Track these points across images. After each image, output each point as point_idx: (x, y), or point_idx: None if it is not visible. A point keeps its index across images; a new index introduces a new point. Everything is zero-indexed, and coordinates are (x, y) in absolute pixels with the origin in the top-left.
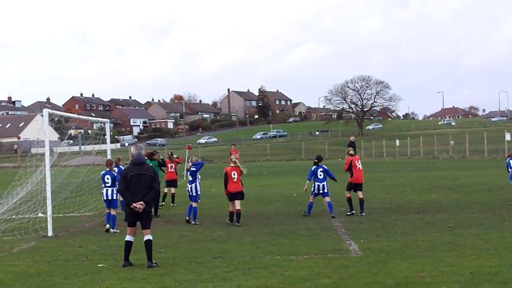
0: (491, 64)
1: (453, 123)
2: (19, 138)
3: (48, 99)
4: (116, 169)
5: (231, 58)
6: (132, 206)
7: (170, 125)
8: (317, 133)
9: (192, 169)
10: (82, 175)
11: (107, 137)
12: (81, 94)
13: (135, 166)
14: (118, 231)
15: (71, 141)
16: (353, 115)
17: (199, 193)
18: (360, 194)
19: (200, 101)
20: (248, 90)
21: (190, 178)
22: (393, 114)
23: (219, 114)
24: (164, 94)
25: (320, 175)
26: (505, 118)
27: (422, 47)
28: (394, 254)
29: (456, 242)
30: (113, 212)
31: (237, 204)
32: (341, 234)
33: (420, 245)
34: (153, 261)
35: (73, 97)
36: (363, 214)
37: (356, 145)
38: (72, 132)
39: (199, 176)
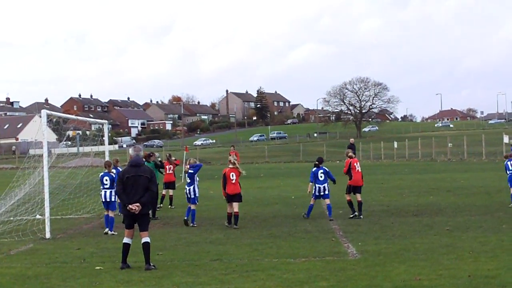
0: (490, 65)
1: (451, 125)
2: (17, 139)
3: (46, 100)
4: (114, 170)
5: (230, 59)
6: (128, 207)
7: (168, 127)
8: (315, 135)
9: (190, 171)
10: (80, 177)
11: (105, 138)
12: (80, 95)
13: (132, 168)
14: (116, 233)
15: (69, 142)
16: (351, 117)
17: (197, 195)
18: (358, 196)
19: (199, 102)
20: (247, 92)
21: (188, 180)
22: (391, 116)
23: (217, 115)
24: (162, 95)
25: (321, 176)
26: (504, 120)
27: (421, 48)
28: (392, 257)
29: (454, 245)
30: (111, 214)
31: (235, 206)
32: (339, 236)
33: (418, 248)
34: (151, 264)
35: (71, 98)
36: (361, 216)
37: (355, 147)
38: (70, 133)
39: (197, 178)
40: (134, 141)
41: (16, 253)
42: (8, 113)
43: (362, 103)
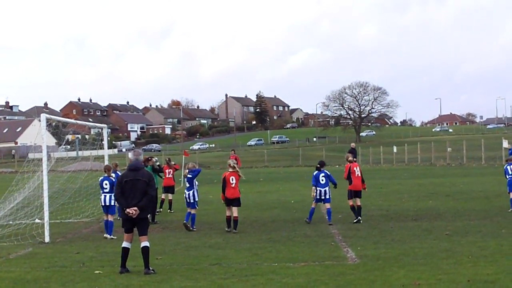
0: (489, 70)
1: (450, 130)
2: (16, 143)
3: (45, 104)
4: (113, 175)
5: (229, 63)
6: (125, 211)
7: (168, 131)
8: (314, 139)
9: (188, 176)
10: (80, 181)
11: (105, 142)
12: (79, 99)
13: (130, 172)
14: (115, 237)
15: (69, 146)
16: (351, 121)
17: (196, 199)
18: (358, 201)
19: (198, 106)
20: (246, 96)
21: (187, 185)
22: (390, 120)
23: (217, 119)
24: (161, 99)
25: (322, 180)
26: (503, 125)
27: (421, 53)
28: (391, 261)
29: (453, 250)
30: (110, 218)
31: (234, 211)
32: (338, 241)
33: (417, 252)
34: (150, 268)
35: (70, 102)
36: (361, 221)
37: (357, 151)
38: (70, 137)
39: (197, 183)
40: (133, 145)
41: (15, 257)
42: (7, 117)
43: (361, 107)
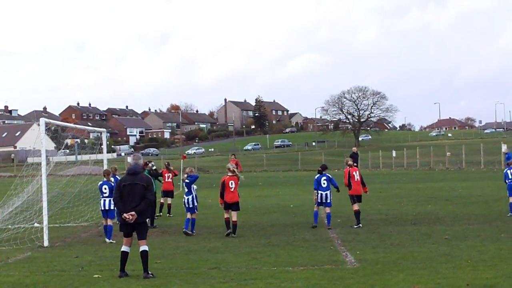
0: (489, 75)
1: (449, 134)
2: (15, 147)
3: (44, 108)
4: (113, 179)
5: (228, 67)
6: (122, 216)
7: (167, 135)
8: (313, 143)
9: (186, 181)
10: (79, 185)
11: (104, 146)
12: (78, 104)
13: (129, 176)
14: (114, 241)
15: (68, 151)
16: (350, 125)
17: (195, 204)
18: (356, 205)
19: (197, 111)
20: (245, 100)
21: (186, 190)
22: (389, 125)
23: (216, 124)
24: (161, 103)
25: (324, 183)
26: (502, 129)
27: (420, 57)
28: (390, 265)
29: (452, 254)
30: (110, 222)
31: (233, 215)
32: (337, 245)
33: (417, 256)
34: (149, 272)
35: (69, 106)
36: (360, 225)
37: (358, 156)
38: (69, 141)
39: (195, 187)
40: (132, 149)
41: (14, 261)
42: (6, 121)
43: (360, 112)
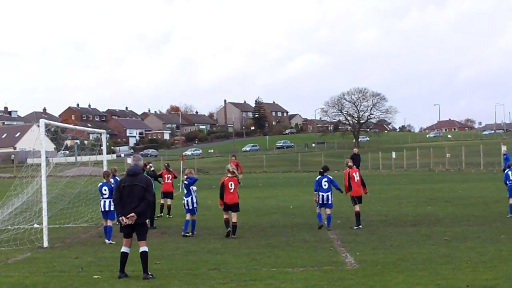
0: (489, 76)
1: (449, 136)
2: (15, 148)
3: (44, 109)
4: (112, 180)
5: (228, 68)
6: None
7: (167, 136)
8: (313, 145)
9: (185, 182)
10: (79, 186)
11: (103, 147)
12: (78, 105)
13: (128, 177)
14: (114, 242)
15: (67, 152)
16: (350, 127)
17: (195, 206)
18: (357, 207)
19: (197, 112)
20: (245, 102)
21: (185, 191)
22: (389, 126)
23: (216, 125)
24: (160, 105)
25: (325, 185)
26: (502, 131)
27: (420, 58)
28: (390, 266)
29: (452, 255)
30: (109, 223)
31: (233, 216)
32: (337, 246)
33: (416, 257)
34: (149, 273)
35: (69, 107)
36: (360, 226)
37: (360, 157)
38: (69, 142)
39: (195, 188)
40: (132, 150)
41: (13, 262)
42: (6, 122)
43: (360, 113)
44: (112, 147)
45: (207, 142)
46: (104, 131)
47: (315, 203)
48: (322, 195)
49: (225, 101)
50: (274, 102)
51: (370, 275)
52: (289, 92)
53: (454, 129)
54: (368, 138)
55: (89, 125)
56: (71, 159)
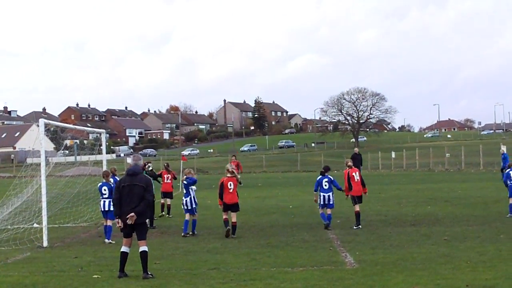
0: (488, 76)
1: (448, 136)
2: (14, 148)
3: (44, 109)
4: (112, 179)
5: (228, 68)
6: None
7: (166, 136)
8: (313, 144)
9: (184, 182)
10: (79, 186)
11: (103, 147)
12: (77, 104)
13: (128, 177)
14: (114, 242)
15: (67, 152)
16: (349, 127)
17: (194, 206)
18: (357, 207)
19: (196, 112)
20: (244, 101)
21: (184, 191)
22: (389, 126)
23: (215, 125)
24: (160, 104)
25: (325, 185)
26: (501, 130)
27: (419, 58)
28: (389, 266)
29: (451, 255)
30: (109, 223)
31: (233, 216)
32: (337, 246)
33: (416, 257)
34: (149, 272)
35: (69, 107)
36: (360, 226)
37: (361, 157)
38: (68, 142)
39: (194, 188)
40: (131, 150)
41: (13, 261)
42: (5, 122)
43: (359, 113)
44: (111, 147)
45: (207, 142)
46: (104, 130)
47: (315, 203)
48: (324, 196)
49: (224, 101)
50: (273, 102)
51: (370, 274)
52: (289, 92)
53: (454, 129)
54: (365, 138)
55: (89, 124)
56: (71, 158)
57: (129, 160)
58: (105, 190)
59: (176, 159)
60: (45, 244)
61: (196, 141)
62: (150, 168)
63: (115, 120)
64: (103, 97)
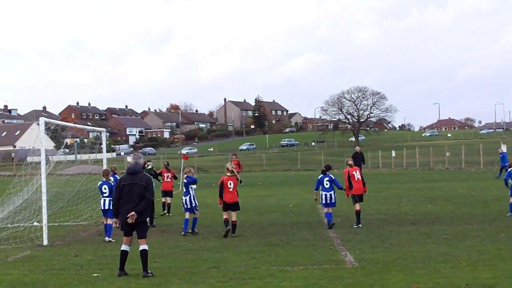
0: (489, 75)
1: (448, 135)
2: (14, 146)
3: (44, 107)
4: (112, 178)
5: (228, 67)
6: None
7: (166, 135)
8: (313, 143)
9: (184, 180)
10: (79, 184)
11: (103, 146)
12: (77, 103)
13: (128, 176)
14: (114, 240)
15: (67, 150)
16: (349, 125)
17: (193, 205)
18: (357, 205)
19: (197, 110)
20: (245, 100)
21: (184, 190)
22: (389, 125)
23: (215, 124)
24: (160, 103)
25: (326, 184)
26: (502, 130)
27: (420, 57)
28: (389, 265)
29: (451, 254)
30: (109, 221)
31: (233, 215)
32: (337, 245)
33: (416, 256)
34: (149, 271)
35: (69, 106)
36: (360, 225)
37: (364, 156)
38: (68, 141)
39: (194, 187)
40: (131, 149)
41: (13, 260)
42: (6, 121)
43: (360, 112)
44: (112, 146)
45: (207, 141)
46: (104, 129)
47: (316, 202)
48: (325, 194)
49: (225, 99)
50: (274, 100)
51: (370, 273)
52: (289, 90)
53: (454, 128)
54: (364, 137)
55: (89, 123)
56: (71, 157)
57: (129, 158)
58: (105, 188)
59: (176, 158)
60: (45, 242)
61: (196, 140)
62: (150, 167)
63: (116, 119)
64: (104, 96)
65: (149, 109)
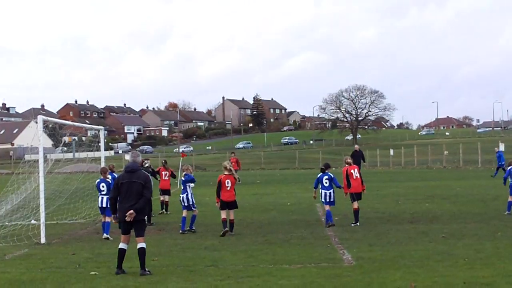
0: (487, 74)
1: (446, 133)
2: (13, 144)
3: (42, 105)
4: (110, 176)
5: (226, 66)
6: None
7: (165, 133)
8: (311, 142)
9: (182, 178)
10: (76, 182)
11: (101, 144)
12: (76, 101)
13: (126, 174)
14: (112, 238)
15: (65, 148)
16: (347, 124)
17: (191, 202)
18: (355, 204)
19: (195, 109)
20: (243, 99)
21: (182, 188)
22: (387, 123)
23: (214, 122)
24: (158, 101)
25: (326, 182)
26: (500, 128)
27: (418, 56)
28: (387, 263)
29: (449, 252)
30: (107, 219)
31: (231, 213)
32: (335, 243)
33: (414, 255)
34: (146, 269)
35: (67, 104)
36: (358, 224)
37: (363, 154)
38: (66, 139)
39: (192, 185)
40: (130, 147)
41: (11, 258)
42: (4, 119)
43: (358, 110)
44: (110, 144)
45: (205, 139)
46: (102, 127)
47: (314, 199)
48: (325, 193)
49: (223, 98)
50: (272, 99)
51: (368, 272)
52: (288, 89)
53: (452, 126)
54: (359, 136)
55: (87, 121)
56: (69, 155)
57: (127, 157)
58: (103, 186)
59: (173, 156)
60: (42, 240)
61: (194, 138)
62: (147, 165)
63: (114, 117)
64: (102, 94)
65: (147, 107)
